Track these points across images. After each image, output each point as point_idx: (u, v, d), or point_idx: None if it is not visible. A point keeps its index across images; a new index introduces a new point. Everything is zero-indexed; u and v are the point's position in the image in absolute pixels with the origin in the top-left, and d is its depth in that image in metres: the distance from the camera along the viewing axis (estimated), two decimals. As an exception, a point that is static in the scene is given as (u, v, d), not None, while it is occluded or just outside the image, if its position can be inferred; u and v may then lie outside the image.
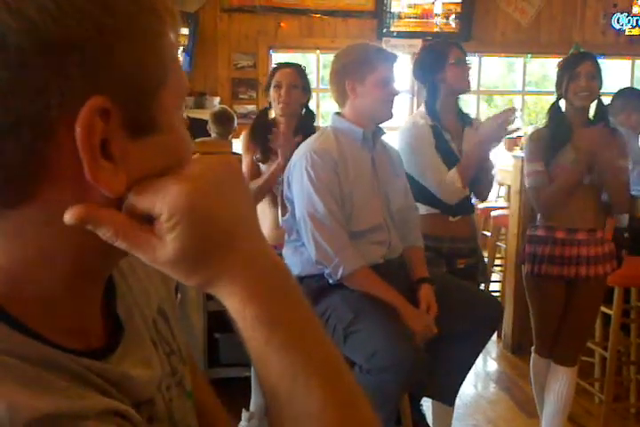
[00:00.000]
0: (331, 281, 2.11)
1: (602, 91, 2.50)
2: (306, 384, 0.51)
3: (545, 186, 2.47)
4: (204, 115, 5.18)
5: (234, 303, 0.52)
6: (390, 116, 2.22)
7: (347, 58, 2.23)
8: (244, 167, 2.83)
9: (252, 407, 2.68)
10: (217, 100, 6.57)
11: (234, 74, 7.06)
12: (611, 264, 2.55)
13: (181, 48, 6.79)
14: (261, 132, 2.79)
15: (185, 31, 6.73)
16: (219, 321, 2.84)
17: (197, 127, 4.72)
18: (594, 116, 2.52)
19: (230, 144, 3.64)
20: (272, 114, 2.92)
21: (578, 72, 2.43)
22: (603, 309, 3.00)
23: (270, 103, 2.82)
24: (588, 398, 3.07)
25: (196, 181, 0.51)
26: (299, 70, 2.77)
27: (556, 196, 2.45)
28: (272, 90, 2.76)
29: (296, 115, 2.78)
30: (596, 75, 2.44)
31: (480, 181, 2.65)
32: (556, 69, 2.56)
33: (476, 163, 2.50)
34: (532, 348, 2.71)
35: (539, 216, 2.61)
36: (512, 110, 2.49)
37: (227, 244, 0.52)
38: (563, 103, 2.54)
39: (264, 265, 0.54)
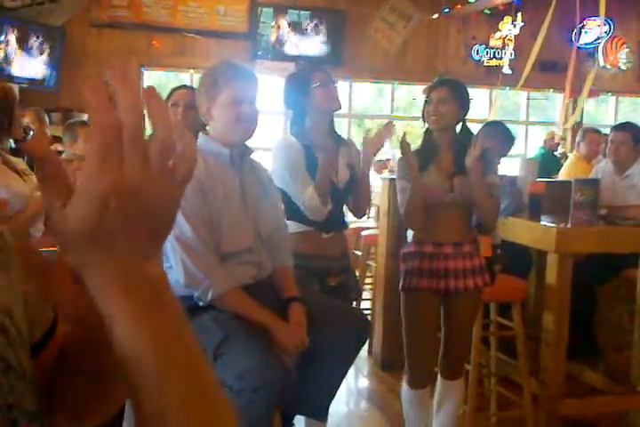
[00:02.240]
0: (201, 303, 2.08)
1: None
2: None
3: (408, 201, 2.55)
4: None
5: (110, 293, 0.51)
6: (248, 135, 2.20)
7: (202, 80, 2.23)
8: None
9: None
10: (85, 117, 6.36)
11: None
12: (482, 278, 2.62)
13: (47, 62, 6.53)
14: None
15: (49, 45, 6.48)
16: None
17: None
18: (457, 140, 2.63)
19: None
20: None
21: (431, 97, 2.57)
22: (464, 323, 3.15)
23: None
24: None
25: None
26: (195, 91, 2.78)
27: (416, 211, 2.51)
28: (169, 109, 2.76)
29: (194, 135, 2.70)
30: (448, 100, 2.55)
31: (355, 198, 2.72)
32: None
33: (326, 178, 2.51)
34: (404, 378, 2.70)
35: (409, 235, 2.69)
36: (390, 124, 2.66)
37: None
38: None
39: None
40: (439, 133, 2.61)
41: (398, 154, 2.59)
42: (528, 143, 8.82)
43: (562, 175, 5.07)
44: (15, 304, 0.66)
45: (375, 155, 2.71)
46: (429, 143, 2.62)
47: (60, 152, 3.86)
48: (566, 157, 7.34)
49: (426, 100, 2.60)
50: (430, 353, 2.65)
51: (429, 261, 2.57)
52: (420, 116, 2.65)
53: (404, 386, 2.71)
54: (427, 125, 2.63)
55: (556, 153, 7.48)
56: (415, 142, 2.76)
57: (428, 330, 2.62)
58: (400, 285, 2.65)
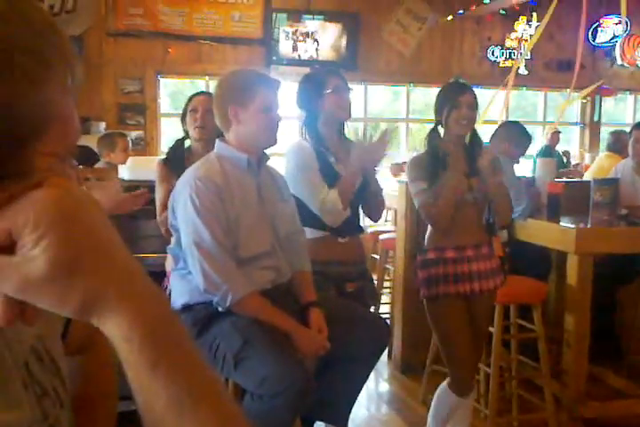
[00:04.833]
0: (220, 309, 2.09)
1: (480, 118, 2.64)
2: (194, 415, 0.49)
3: (432, 203, 2.50)
4: (89, 140, 5.05)
5: (120, 324, 0.48)
6: (274, 142, 2.23)
7: (230, 84, 2.23)
8: (160, 197, 2.74)
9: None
10: (102, 125, 6.41)
11: (120, 99, 6.94)
12: (500, 278, 2.65)
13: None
14: (178, 161, 2.75)
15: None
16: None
17: (82, 154, 4.59)
18: (469, 143, 2.62)
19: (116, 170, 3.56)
20: (187, 143, 2.90)
21: (459, 101, 2.50)
22: (484, 326, 3.13)
23: (186, 132, 2.83)
24: (474, 415, 3.15)
25: (62, 186, 0.47)
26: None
27: (443, 209, 2.48)
28: (188, 115, 2.80)
29: (212, 140, 2.64)
30: (475, 105, 2.55)
31: (369, 202, 2.71)
32: (437, 97, 2.63)
33: (353, 184, 2.52)
34: (447, 382, 2.64)
35: (426, 240, 2.65)
36: (386, 132, 2.55)
37: (104, 255, 0.48)
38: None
39: (144, 284, 0.51)
40: (456, 137, 2.58)
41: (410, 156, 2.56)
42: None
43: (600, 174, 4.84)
44: (49, 332, 0.66)
45: (377, 163, 2.61)
46: (440, 147, 2.58)
47: None
48: (568, 155, 7.44)
49: (450, 103, 2.53)
50: (472, 359, 2.63)
51: (453, 265, 2.55)
52: (438, 118, 2.59)
53: (446, 390, 2.64)
54: (443, 130, 2.59)
55: (556, 149, 7.54)
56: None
57: (465, 336, 2.57)
58: (423, 293, 2.61)
